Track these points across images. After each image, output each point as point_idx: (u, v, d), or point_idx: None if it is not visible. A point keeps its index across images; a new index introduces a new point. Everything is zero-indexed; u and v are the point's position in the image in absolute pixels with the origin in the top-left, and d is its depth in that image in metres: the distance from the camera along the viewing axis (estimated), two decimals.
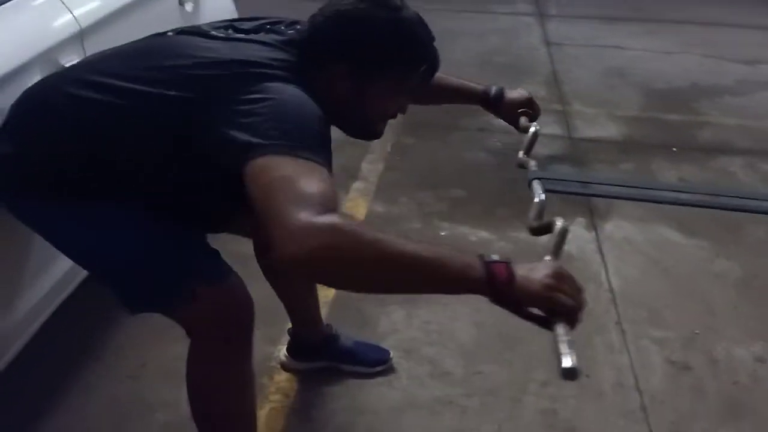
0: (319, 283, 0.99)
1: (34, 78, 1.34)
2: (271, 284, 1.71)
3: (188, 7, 2.26)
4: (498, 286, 0.89)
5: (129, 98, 1.17)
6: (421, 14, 1.30)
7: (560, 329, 0.89)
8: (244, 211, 1.07)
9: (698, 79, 4.30)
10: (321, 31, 1.24)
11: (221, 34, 1.25)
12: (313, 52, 1.23)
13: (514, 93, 1.64)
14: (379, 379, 1.82)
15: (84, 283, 1.65)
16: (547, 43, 4.95)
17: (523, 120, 1.62)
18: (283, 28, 1.30)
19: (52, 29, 1.55)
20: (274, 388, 1.80)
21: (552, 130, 3.48)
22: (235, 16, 2.79)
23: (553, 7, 6.07)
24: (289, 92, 1.12)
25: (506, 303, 0.91)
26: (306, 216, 0.88)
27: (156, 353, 1.86)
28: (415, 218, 2.66)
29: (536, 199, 1.27)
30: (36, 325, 1.51)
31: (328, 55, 1.23)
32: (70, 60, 1.48)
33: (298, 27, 1.29)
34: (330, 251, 0.87)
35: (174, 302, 1.20)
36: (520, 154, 1.53)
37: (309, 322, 1.81)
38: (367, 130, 1.35)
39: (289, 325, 1.84)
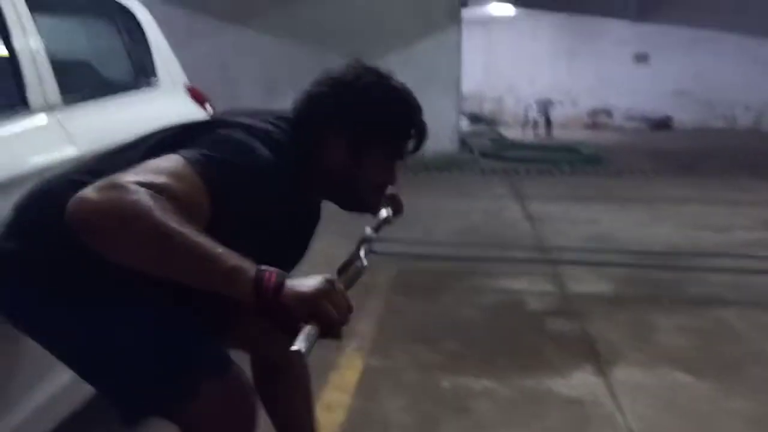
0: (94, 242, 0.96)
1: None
2: (265, 406, 1.58)
3: None
4: (264, 288, 0.90)
5: None
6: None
7: (309, 328, 0.88)
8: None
9: (676, 245, 4.44)
10: (316, 97, 1.27)
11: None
12: (308, 118, 1.25)
13: None
14: None
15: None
16: (529, 218, 5.16)
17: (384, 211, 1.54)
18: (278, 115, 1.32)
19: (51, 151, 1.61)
20: None
21: (543, 287, 3.51)
22: None
23: (528, 190, 6.43)
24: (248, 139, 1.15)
25: (269, 308, 0.91)
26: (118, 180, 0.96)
27: None
28: (412, 370, 2.55)
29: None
30: None
31: (324, 119, 1.25)
32: None
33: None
34: (112, 206, 0.92)
35: (177, 397, 1.09)
36: (367, 230, 1.43)
37: None
38: (360, 199, 1.33)
39: None
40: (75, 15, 2.39)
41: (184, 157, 1.04)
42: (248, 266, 0.92)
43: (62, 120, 1.75)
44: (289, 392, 1.62)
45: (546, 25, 15.58)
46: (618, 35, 14.93)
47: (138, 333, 1.12)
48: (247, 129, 1.18)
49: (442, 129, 8.16)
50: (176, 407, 1.12)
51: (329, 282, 0.93)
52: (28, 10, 1.72)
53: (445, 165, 7.65)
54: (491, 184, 6.85)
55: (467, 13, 11.39)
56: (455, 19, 8.60)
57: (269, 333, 1.53)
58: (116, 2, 2.50)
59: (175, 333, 1.14)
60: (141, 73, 2.52)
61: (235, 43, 8.22)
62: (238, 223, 1.05)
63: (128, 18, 2.56)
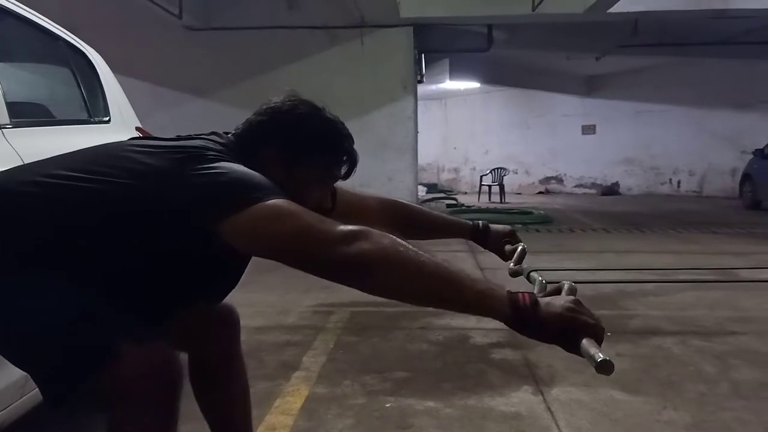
0: (359, 284, 1.05)
1: None
2: (202, 409, 1.61)
3: None
4: (521, 308, 1.01)
5: (90, 182, 1.21)
6: None
7: (586, 341, 0.98)
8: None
9: (622, 288, 4.60)
10: (254, 123, 1.41)
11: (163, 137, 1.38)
12: (247, 140, 1.38)
13: (499, 226, 1.87)
14: None
15: None
16: (480, 268, 5.29)
17: (507, 247, 1.81)
18: (221, 132, 1.44)
19: None
20: None
21: (491, 324, 3.57)
22: None
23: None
24: (233, 164, 1.24)
25: (528, 325, 1.01)
26: (342, 227, 1.05)
27: None
28: (359, 396, 2.57)
29: (536, 277, 1.44)
30: None
31: (260, 140, 1.38)
32: None
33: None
34: (379, 251, 1.02)
35: (98, 362, 1.11)
36: (511, 265, 1.69)
37: None
38: None
39: None
40: (34, 60, 2.54)
41: (275, 197, 1.13)
42: (498, 287, 1.04)
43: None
44: (226, 393, 1.65)
45: (499, 99, 16.30)
46: (567, 108, 15.70)
47: (58, 311, 1.13)
48: (227, 158, 1.25)
49: (398, 191, 8.38)
50: (96, 370, 1.10)
51: (576, 300, 1.06)
52: None
53: None
54: (446, 241, 6.97)
55: (424, 89, 11.91)
56: (410, 91, 8.98)
57: (207, 333, 1.59)
58: (73, 47, 2.64)
59: (97, 309, 1.16)
60: (93, 113, 2.63)
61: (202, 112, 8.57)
62: None
63: (83, 62, 2.70)
